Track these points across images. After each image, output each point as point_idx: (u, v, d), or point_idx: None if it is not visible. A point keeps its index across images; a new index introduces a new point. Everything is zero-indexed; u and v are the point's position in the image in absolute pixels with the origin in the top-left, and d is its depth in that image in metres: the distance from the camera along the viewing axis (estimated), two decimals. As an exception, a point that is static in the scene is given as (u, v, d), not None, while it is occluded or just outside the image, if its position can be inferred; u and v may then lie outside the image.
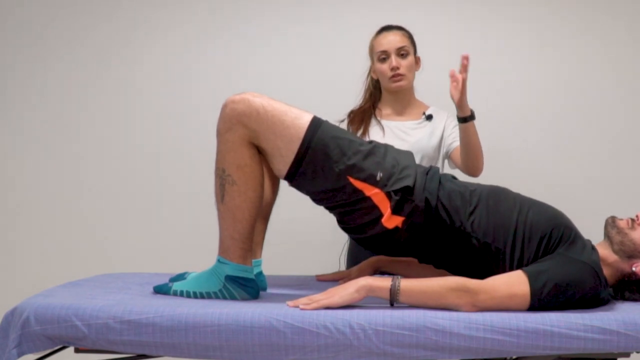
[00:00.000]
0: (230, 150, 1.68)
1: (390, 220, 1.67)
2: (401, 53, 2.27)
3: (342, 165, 1.66)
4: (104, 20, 2.88)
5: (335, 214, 1.79)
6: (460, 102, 2.01)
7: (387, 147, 1.77)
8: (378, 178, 1.67)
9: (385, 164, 1.69)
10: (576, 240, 1.65)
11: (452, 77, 1.97)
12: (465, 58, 1.94)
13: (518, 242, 1.65)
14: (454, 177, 1.81)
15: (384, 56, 2.27)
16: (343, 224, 1.78)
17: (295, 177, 1.70)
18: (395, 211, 1.67)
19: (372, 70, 2.38)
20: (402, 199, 1.66)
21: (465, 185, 1.76)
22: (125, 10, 2.88)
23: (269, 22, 2.83)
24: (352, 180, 1.67)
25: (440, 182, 1.72)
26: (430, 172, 1.75)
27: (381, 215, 1.67)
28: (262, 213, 1.86)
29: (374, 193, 1.67)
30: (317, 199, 1.77)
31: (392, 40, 2.27)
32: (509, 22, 2.77)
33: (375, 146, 1.74)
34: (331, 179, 1.67)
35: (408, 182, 1.67)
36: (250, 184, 1.68)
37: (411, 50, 2.30)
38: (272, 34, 2.83)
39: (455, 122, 2.31)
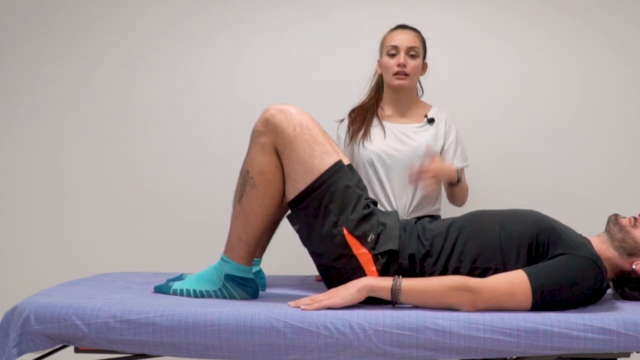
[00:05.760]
0: (258, 154, 1.69)
1: None
2: (411, 53, 2.27)
3: (343, 216, 1.68)
4: (102, 19, 2.88)
5: (319, 268, 1.80)
6: (446, 179, 2.17)
7: (379, 211, 1.79)
8: (369, 239, 1.69)
9: (378, 228, 1.72)
10: (566, 237, 1.65)
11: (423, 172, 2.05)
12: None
13: (508, 257, 1.66)
14: (430, 220, 1.83)
15: (393, 51, 2.27)
16: (327, 280, 1.78)
17: (298, 207, 1.71)
18: (382, 273, 1.68)
19: (378, 64, 2.37)
20: (388, 261, 1.69)
21: (441, 224, 1.78)
22: (123, 9, 2.88)
23: (270, 19, 2.83)
24: (346, 232, 1.68)
25: (418, 235, 1.74)
26: (407, 226, 1.77)
27: None
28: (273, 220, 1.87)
29: (361, 252, 1.68)
30: (306, 239, 1.77)
31: (405, 39, 2.27)
32: (514, 21, 2.76)
33: (373, 210, 1.75)
34: (328, 224, 1.69)
35: (393, 245, 1.69)
36: (269, 191, 1.69)
37: (421, 54, 2.31)
38: (272, 32, 2.82)
39: (453, 135, 2.33)
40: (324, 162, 1.69)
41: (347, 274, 1.69)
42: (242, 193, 1.70)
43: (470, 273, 1.66)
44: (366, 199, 1.77)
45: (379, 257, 1.68)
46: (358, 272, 1.68)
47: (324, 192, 1.68)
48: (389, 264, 1.69)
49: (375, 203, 1.84)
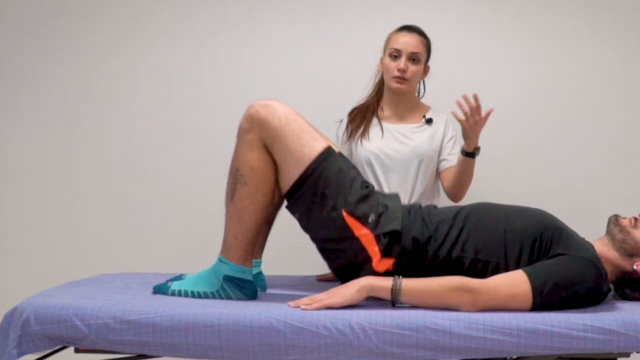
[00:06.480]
0: (247, 151, 1.69)
1: (381, 264, 1.68)
2: (413, 58, 2.26)
3: (341, 199, 1.68)
4: (103, 19, 2.88)
5: (322, 252, 1.80)
6: (472, 137, 2.09)
7: (379, 193, 1.79)
8: (370, 220, 1.69)
9: (378, 209, 1.71)
10: (569, 238, 1.65)
11: (472, 113, 2.04)
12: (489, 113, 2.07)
13: (511, 252, 1.66)
14: (435, 207, 1.83)
15: (395, 54, 2.27)
16: (331, 262, 1.79)
17: (294, 196, 1.71)
18: (385, 254, 1.68)
19: (381, 62, 2.37)
20: (390, 241, 1.68)
21: (448, 211, 1.77)
22: (124, 9, 2.88)
23: (271, 20, 2.83)
24: (345, 215, 1.68)
25: (423, 218, 1.73)
26: (412, 210, 1.77)
27: (370, 259, 1.68)
28: (267, 217, 1.87)
29: (363, 233, 1.68)
30: (307, 227, 1.78)
31: (409, 43, 2.26)
32: (514, 21, 2.76)
33: (372, 191, 1.76)
34: (326, 208, 1.69)
35: (396, 225, 1.69)
36: (261, 187, 1.69)
37: (423, 59, 2.30)
38: (273, 33, 2.82)
39: (452, 132, 2.33)
40: (314, 148, 1.69)
41: (350, 256, 1.69)
42: (234, 192, 1.70)
43: (472, 265, 1.66)
44: (362, 181, 1.76)
45: (382, 237, 1.68)
46: (361, 253, 1.68)
47: (318, 177, 1.68)
48: (392, 245, 1.68)
49: (372, 187, 1.83)
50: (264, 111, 1.68)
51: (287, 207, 1.78)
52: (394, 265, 1.68)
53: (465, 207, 1.78)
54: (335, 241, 1.71)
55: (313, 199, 1.69)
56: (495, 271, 1.65)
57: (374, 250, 1.67)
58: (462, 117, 2.06)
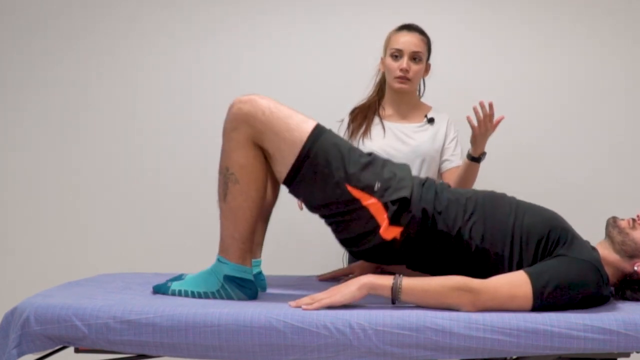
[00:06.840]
0: (234, 149, 1.69)
1: (388, 231, 1.68)
2: (414, 57, 2.27)
3: (342, 173, 1.67)
4: (104, 19, 2.88)
5: (331, 226, 1.80)
6: (480, 143, 2.13)
7: (384, 160, 1.78)
8: (376, 188, 1.68)
9: (383, 175, 1.70)
10: (574, 241, 1.65)
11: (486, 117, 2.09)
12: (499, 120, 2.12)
13: (516, 247, 1.66)
14: (449, 186, 1.82)
15: (397, 54, 2.27)
16: (339, 234, 1.78)
17: (295, 181, 1.71)
18: (393, 222, 1.67)
19: (381, 62, 2.38)
20: (399, 209, 1.67)
21: (461, 192, 1.76)
22: (124, 9, 2.88)
23: (271, 20, 2.83)
24: (349, 188, 1.67)
25: (436, 192, 1.73)
26: (426, 183, 1.76)
27: (378, 227, 1.68)
28: (263, 214, 1.87)
29: (370, 203, 1.68)
30: (313, 207, 1.77)
31: (410, 42, 2.27)
32: (511, 22, 2.77)
33: (374, 158, 1.75)
34: (329, 186, 1.68)
35: (405, 193, 1.68)
36: (252, 184, 1.69)
37: (424, 57, 2.31)
38: (274, 33, 2.82)
39: (454, 133, 2.34)
40: (304, 130, 1.68)
41: (360, 226, 1.69)
42: (226, 191, 1.70)
43: (477, 254, 1.66)
44: (361, 151, 1.76)
45: (390, 204, 1.67)
46: (370, 221, 1.67)
47: (315, 157, 1.67)
48: (401, 213, 1.67)
49: (375, 155, 1.82)
50: (246, 107, 1.68)
51: (290, 192, 1.77)
52: (402, 234, 1.67)
53: (479, 192, 1.77)
54: (343, 214, 1.71)
55: (314, 179, 1.69)
56: (499, 262, 1.65)
57: (382, 217, 1.67)
58: (476, 124, 2.08)
